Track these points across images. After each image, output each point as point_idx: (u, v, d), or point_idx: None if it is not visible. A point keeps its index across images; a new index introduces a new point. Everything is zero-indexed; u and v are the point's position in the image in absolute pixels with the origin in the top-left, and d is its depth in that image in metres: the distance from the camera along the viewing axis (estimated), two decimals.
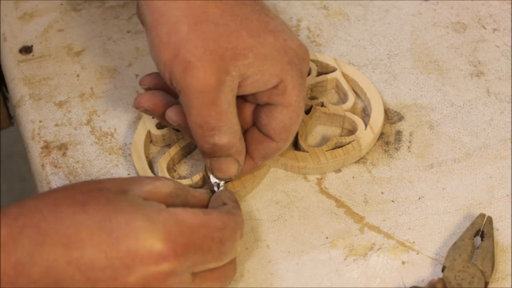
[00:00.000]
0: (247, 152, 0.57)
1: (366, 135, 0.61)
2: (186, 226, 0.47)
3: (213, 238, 0.49)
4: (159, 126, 0.62)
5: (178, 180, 0.59)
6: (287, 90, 0.54)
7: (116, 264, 0.46)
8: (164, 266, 0.46)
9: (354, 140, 0.61)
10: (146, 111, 0.59)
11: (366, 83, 0.64)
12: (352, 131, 0.63)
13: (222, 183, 0.57)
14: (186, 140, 0.61)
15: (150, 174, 0.59)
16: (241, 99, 0.57)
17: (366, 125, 0.62)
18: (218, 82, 0.51)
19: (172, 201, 0.51)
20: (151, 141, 0.63)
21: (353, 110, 0.64)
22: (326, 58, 0.66)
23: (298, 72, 0.55)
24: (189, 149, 0.62)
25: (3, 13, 0.72)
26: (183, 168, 0.62)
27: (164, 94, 0.58)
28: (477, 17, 0.72)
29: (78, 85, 0.67)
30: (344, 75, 0.65)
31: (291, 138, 0.57)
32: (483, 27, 0.71)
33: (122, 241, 0.46)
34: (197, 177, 0.59)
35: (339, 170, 0.61)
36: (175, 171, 0.61)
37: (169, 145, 0.62)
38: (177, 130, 0.61)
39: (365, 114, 0.64)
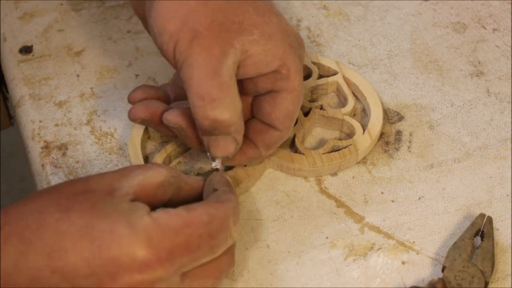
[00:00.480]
0: (252, 141, 0.57)
1: (363, 140, 0.61)
2: (168, 229, 0.47)
3: (200, 235, 0.48)
4: None
5: None
6: (290, 74, 0.54)
7: (100, 272, 0.45)
8: (148, 274, 0.46)
9: (351, 144, 0.61)
10: (144, 121, 0.58)
11: (367, 88, 0.64)
12: (350, 135, 0.63)
13: (219, 165, 0.57)
14: None
15: None
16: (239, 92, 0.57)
17: (364, 129, 0.62)
18: (222, 53, 0.51)
19: (164, 191, 0.50)
20: (149, 137, 0.63)
21: (353, 111, 0.64)
22: (328, 61, 0.66)
23: (298, 57, 0.55)
24: (186, 147, 0.62)
25: (3, 13, 0.72)
26: (179, 166, 0.62)
27: (157, 102, 0.58)
28: (477, 17, 0.72)
29: (78, 85, 0.67)
30: (345, 78, 0.65)
31: (292, 125, 0.57)
32: (483, 27, 0.71)
33: (104, 249, 0.45)
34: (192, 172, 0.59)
35: (335, 174, 0.61)
36: None
37: (167, 142, 0.62)
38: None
39: (365, 114, 0.64)
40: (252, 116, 0.58)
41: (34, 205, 0.47)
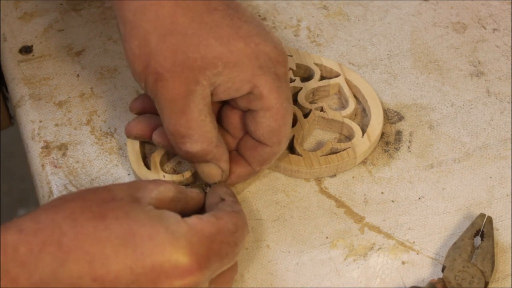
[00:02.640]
0: (245, 158, 0.57)
1: (362, 143, 0.61)
2: (205, 236, 0.48)
3: (229, 243, 0.49)
4: None
5: (170, 175, 0.59)
6: (263, 94, 0.54)
7: (142, 279, 0.45)
8: (189, 280, 0.46)
9: (349, 147, 0.61)
10: (136, 137, 0.60)
11: (368, 90, 0.64)
12: (349, 138, 0.63)
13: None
14: None
15: (142, 166, 0.60)
16: (230, 106, 0.57)
17: (364, 131, 0.62)
18: (187, 92, 0.52)
19: (175, 206, 0.51)
20: None
21: (354, 112, 0.63)
22: (331, 62, 0.66)
23: (272, 75, 0.54)
24: None
25: (3, 13, 0.72)
26: (176, 164, 0.62)
27: (151, 117, 0.59)
28: (477, 17, 0.72)
29: (78, 85, 0.67)
30: (347, 81, 0.65)
31: (284, 141, 0.56)
32: (483, 27, 0.71)
33: (147, 257, 0.45)
34: (188, 173, 0.59)
35: (334, 175, 0.61)
36: (167, 166, 0.61)
37: None
38: None
39: (365, 114, 0.64)
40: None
41: (66, 212, 0.46)
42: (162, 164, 0.61)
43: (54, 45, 0.70)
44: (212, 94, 0.54)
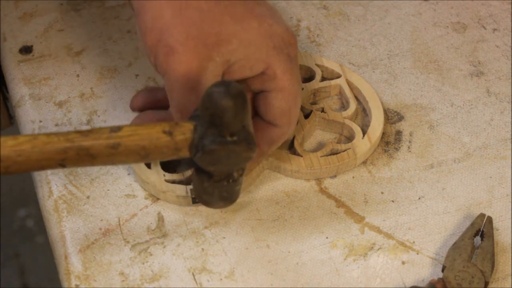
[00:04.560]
0: None
1: (363, 144, 0.61)
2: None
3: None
4: None
5: (170, 175, 0.59)
6: (277, 74, 0.54)
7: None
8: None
9: (350, 148, 0.61)
10: None
11: (369, 92, 0.64)
12: (350, 139, 0.63)
13: None
14: None
15: (143, 165, 0.59)
16: None
17: (364, 131, 0.62)
18: (200, 67, 0.51)
19: None
20: None
21: (355, 113, 0.63)
22: (332, 64, 0.66)
23: (285, 56, 0.55)
24: None
25: (3, 13, 0.72)
26: (176, 163, 0.62)
27: (152, 113, 0.59)
28: (477, 17, 0.72)
29: (78, 85, 0.67)
30: (348, 82, 0.65)
31: (294, 121, 0.57)
32: (483, 27, 0.71)
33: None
34: (189, 173, 0.59)
35: (334, 176, 0.61)
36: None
37: None
38: None
39: (366, 114, 0.64)
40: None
41: None
42: (162, 162, 0.60)
43: (54, 45, 0.70)
44: (225, 73, 0.53)
